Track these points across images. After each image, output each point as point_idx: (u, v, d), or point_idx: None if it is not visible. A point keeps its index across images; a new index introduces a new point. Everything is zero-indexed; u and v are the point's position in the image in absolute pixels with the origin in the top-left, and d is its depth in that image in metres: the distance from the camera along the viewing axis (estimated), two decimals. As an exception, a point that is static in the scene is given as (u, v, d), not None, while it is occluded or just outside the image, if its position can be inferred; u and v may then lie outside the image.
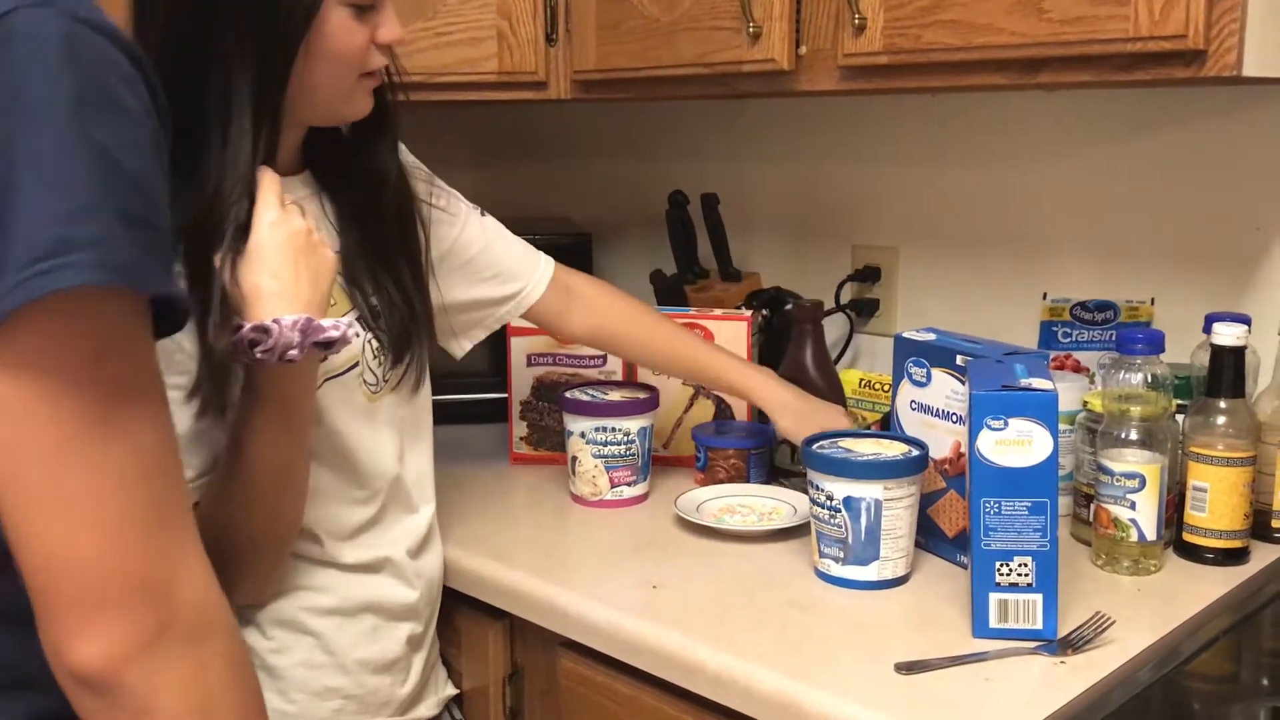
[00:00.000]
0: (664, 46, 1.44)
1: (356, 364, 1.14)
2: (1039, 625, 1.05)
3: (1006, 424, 1.04)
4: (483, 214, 1.35)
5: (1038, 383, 1.06)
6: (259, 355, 0.96)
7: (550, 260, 1.39)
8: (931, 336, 1.27)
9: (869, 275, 1.73)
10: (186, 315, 0.71)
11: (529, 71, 1.58)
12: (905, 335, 1.28)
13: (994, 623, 1.06)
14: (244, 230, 1.00)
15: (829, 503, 1.18)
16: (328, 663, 1.15)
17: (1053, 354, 1.50)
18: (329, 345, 0.99)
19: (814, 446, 1.22)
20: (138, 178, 0.63)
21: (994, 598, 1.06)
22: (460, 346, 1.36)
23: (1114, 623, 1.06)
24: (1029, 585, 1.05)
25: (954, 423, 1.23)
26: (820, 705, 0.97)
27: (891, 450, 1.21)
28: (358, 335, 1.11)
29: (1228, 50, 1.04)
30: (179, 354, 1.00)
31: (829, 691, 0.98)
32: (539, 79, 1.59)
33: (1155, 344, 1.21)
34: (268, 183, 1.02)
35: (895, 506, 1.17)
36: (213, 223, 1.00)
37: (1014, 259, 1.59)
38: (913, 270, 1.70)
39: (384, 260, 1.17)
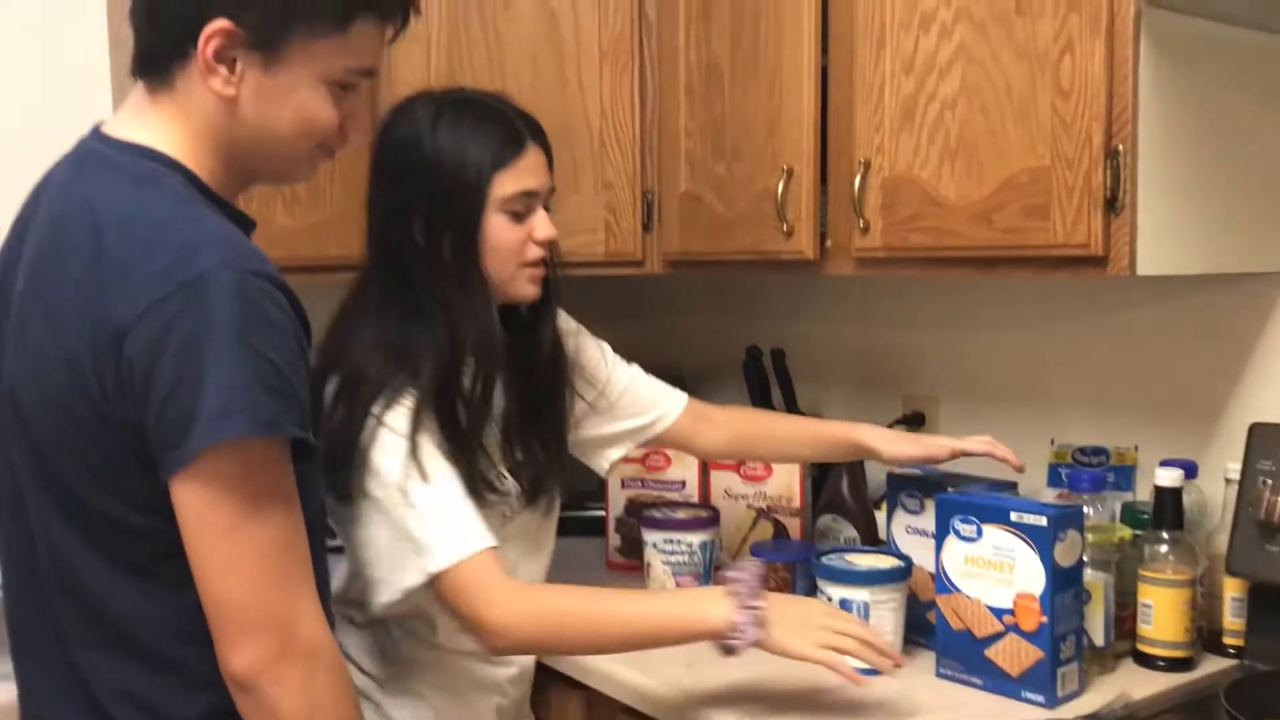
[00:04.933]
0: (726, 236, 1.82)
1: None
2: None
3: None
4: (629, 364, 1.65)
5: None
6: None
7: (683, 395, 1.66)
8: (919, 473, 1.57)
9: (915, 420, 2.02)
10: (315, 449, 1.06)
11: (629, 253, 1.99)
12: (895, 473, 1.59)
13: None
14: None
15: (829, 604, 1.49)
16: (430, 717, 1.46)
17: (1058, 491, 1.77)
18: None
19: (822, 559, 1.53)
20: (279, 364, 0.99)
21: (941, 681, 1.34)
22: (604, 466, 1.65)
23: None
24: (968, 672, 1.33)
25: (938, 543, 1.52)
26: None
27: (884, 564, 1.51)
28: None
29: (1122, 256, 1.33)
30: None
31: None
32: (637, 259, 2.00)
33: (1097, 484, 1.49)
34: None
35: (880, 609, 1.47)
36: (445, 382, 1.33)
37: (1030, 409, 1.87)
38: (951, 416, 1.99)
39: (532, 421, 1.45)
